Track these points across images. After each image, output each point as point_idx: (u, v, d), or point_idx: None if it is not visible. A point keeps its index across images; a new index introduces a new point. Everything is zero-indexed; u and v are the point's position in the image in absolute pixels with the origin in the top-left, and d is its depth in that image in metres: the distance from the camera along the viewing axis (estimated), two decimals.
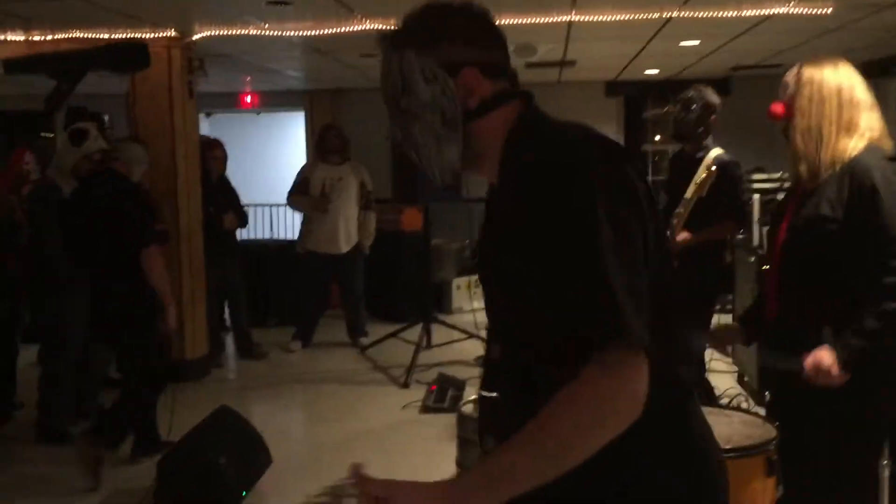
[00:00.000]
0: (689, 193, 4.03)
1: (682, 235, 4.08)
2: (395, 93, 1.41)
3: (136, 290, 4.04)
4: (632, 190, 1.27)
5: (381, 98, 1.45)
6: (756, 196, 5.28)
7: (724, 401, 4.96)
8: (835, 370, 2.17)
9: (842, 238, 2.22)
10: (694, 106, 4.11)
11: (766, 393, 3.90)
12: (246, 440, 3.95)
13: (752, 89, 9.43)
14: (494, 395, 1.51)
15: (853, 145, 2.25)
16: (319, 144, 6.85)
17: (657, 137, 10.08)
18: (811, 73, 2.31)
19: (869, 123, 2.28)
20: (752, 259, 5.12)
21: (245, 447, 3.90)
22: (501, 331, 1.46)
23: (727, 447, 2.08)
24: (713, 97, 4.21)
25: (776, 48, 7.20)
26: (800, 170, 2.33)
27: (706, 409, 2.27)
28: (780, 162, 8.51)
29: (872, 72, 8.30)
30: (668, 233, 4.08)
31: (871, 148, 2.26)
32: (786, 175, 5.54)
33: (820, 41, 6.71)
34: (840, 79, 2.29)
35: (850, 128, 2.25)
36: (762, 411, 4.72)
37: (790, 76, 2.38)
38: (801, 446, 2.24)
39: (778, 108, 2.38)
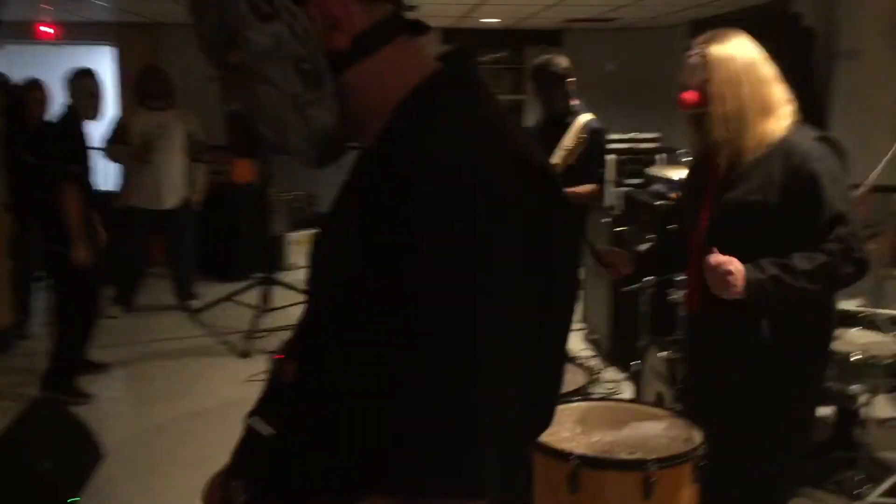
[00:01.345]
0: (557, 158, 3.87)
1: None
2: (217, 44, 0.96)
3: None
4: (544, 253, 0.85)
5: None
6: (611, 156, 5.22)
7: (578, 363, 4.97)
8: (734, 277, 2.03)
9: (777, 225, 2.10)
10: (556, 81, 3.96)
11: (632, 364, 3.89)
12: (71, 436, 3.43)
13: (584, 43, 9.54)
14: (270, 430, 1.03)
15: (776, 126, 2.13)
16: (139, 88, 6.15)
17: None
18: (719, 53, 2.15)
19: (781, 97, 2.17)
20: (607, 220, 5.10)
21: (71, 444, 3.39)
22: (305, 349, 1.02)
23: (657, 456, 1.93)
24: (564, 62, 4.06)
25: (613, 3, 7.21)
26: (720, 158, 2.19)
27: (633, 408, 2.21)
28: (612, 117, 8.70)
29: (699, 31, 8.57)
30: None
31: (798, 128, 2.15)
32: (639, 135, 5.53)
33: None
34: (748, 55, 2.15)
35: (767, 107, 2.13)
36: (616, 373, 4.84)
37: (696, 58, 2.19)
38: (726, 442, 2.13)
39: (691, 96, 2.20)
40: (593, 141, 3.85)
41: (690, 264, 2.29)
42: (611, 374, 4.86)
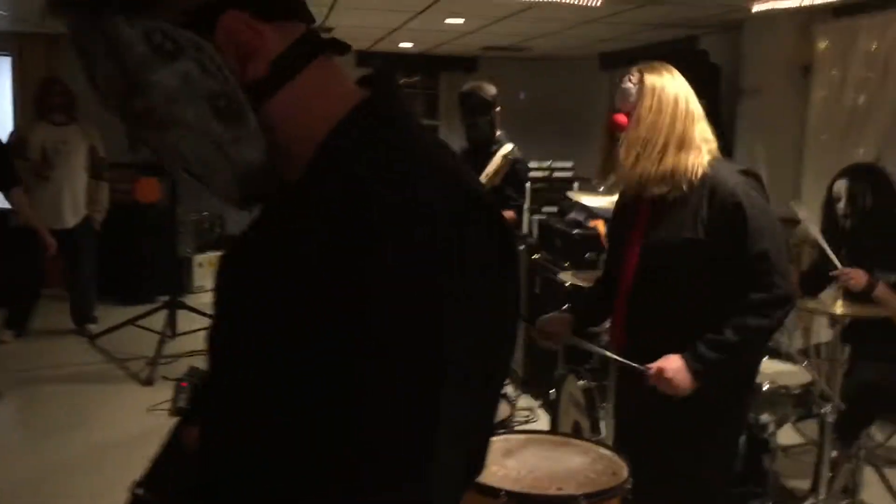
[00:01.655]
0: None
1: None
2: (117, 93, 0.84)
3: None
4: (485, 319, 0.79)
5: None
6: (527, 184, 5.26)
7: None
8: (681, 377, 2.07)
9: (705, 261, 2.12)
10: (484, 108, 3.98)
11: (549, 392, 3.89)
12: None
13: (499, 70, 9.64)
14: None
15: (692, 160, 2.15)
16: (39, 101, 5.86)
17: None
18: (653, 81, 2.19)
19: (703, 135, 2.21)
20: (522, 247, 5.12)
21: None
22: (211, 405, 0.89)
23: (585, 491, 1.90)
24: (492, 89, 4.09)
25: (532, 34, 7.32)
26: (627, 183, 2.22)
27: (558, 440, 2.19)
28: (523, 145, 8.83)
29: (608, 64, 8.81)
30: None
31: (721, 163, 2.18)
32: (554, 164, 5.60)
33: (573, 31, 6.91)
34: (678, 88, 2.20)
35: (684, 142, 2.15)
36: (531, 400, 4.83)
37: (630, 83, 2.23)
38: (653, 472, 2.13)
39: (622, 119, 2.23)
40: (515, 170, 3.86)
41: (619, 299, 2.29)
42: (525, 402, 4.85)
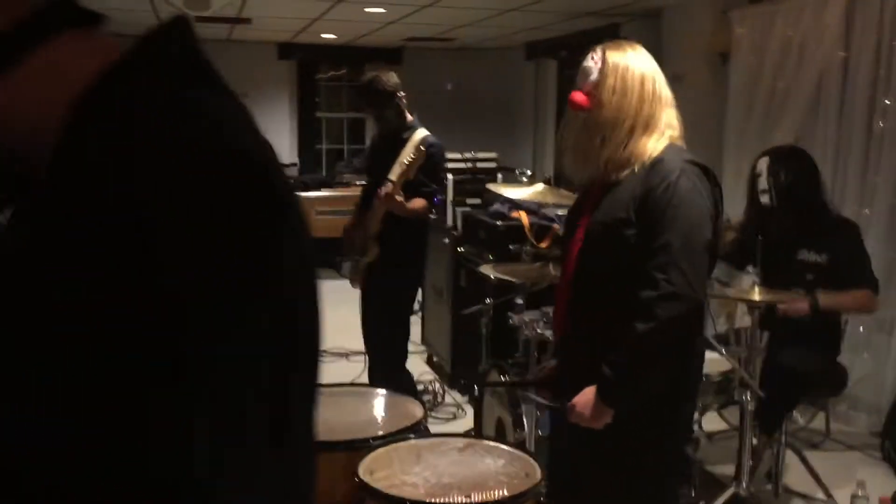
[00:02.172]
0: (394, 175, 3.75)
1: (399, 197, 3.76)
2: None
3: None
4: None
5: None
6: (449, 176, 5.16)
7: (419, 387, 4.86)
8: (592, 410, 1.98)
9: (633, 243, 1.99)
10: (384, 99, 3.86)
11: (475, 387, 3.80)
12: None
13: (423, 61, 9.54)
14: None
15: (654, 144, 2.03)
16: None
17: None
18: (615, 60, 2.06)
19: (669, 120, 2.08)
20: (447, 240, 5.03)
21: None
22: None
23: (496, 498, 1.82)
24: (392, 77, 3.95)
25: (454, 23, 7.23)
26: (589, 167, 2.08)
27: (472, 443, 2.10)
28: (450, 137, 8.74)
29: (534, 53, 8.78)
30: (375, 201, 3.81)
31: (673, 147, 2.05)
32: (477, 155, 5.51)
33: (495, 20, 6.84)
34: (644, 68, 2.06)
35: (650, 124, 2.03)
36: (458, 396, 4.76)
37: (591, 61, 2.09)
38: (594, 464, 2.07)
39: (580, 97, 2.10)
40: (429, 155, 3.74)
41: (561, 286, 2.18)
42: (453, 397, 4.77)
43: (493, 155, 5.51)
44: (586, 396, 1.99)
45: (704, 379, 3.18)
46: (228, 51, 8.89)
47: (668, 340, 1.95)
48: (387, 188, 3.71)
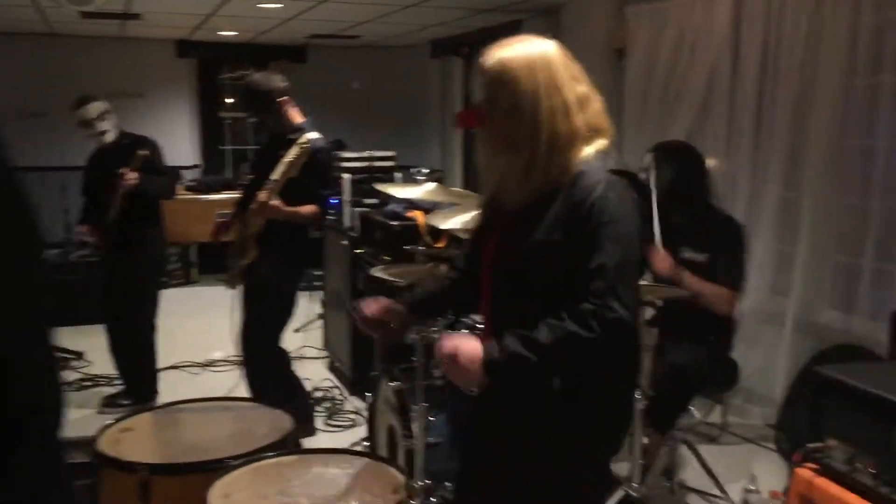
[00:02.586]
0: (276, 174, 3.60)
1: (277, 204, 3.61)
2: None
3: None
4: None
5: None
6: (347, 176, 5.02)
7: (318, 394, 4.71)
8: (472, 366, 1.74)
9: (560, 266, 1.78)
10: (262, 101, 3.70)
11: (367, 394, 3.68)
12: None
13: (328, 60, 9.36)
14: None
15: (573, 156, 1.77)
16: None
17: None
18: (503, 67, 1.77)
19: (591, 123, 1.80)
20: (345, 242, 4.89)
21: None
22: None
23: None
24: (272, 80, 3.78)
25: (355, 19, 7.08)
26: (497, 192, 1.86)
27: (327, 459, 1.96)
28: (357, 135, 8.60)
29: (439, 51, 8.70)
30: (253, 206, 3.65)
31: (597, 158, 1.79)
32: (375, 154, 5.38)
33: (397, 16, 6.72)
34: (541, 74, 1.75)
35: (557, 140, 1.76)
36: (359, 402, 4.62)
37: (483, 68, 1.82)
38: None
39: (465, 116, 1.90)
40: (316, 160, 3.60)
41: (483, 306, 1.98)
42: (353, 405, 4.64)
43: (390, 153, 5.39)
44: (473, 345, 1.77)
45: None
46: (124, 48, 8.55)
47: (585, 355, 1.76)
48: (261, 195, 3.57)
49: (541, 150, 1.75)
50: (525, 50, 1.79)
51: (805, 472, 2.04)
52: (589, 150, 1.78)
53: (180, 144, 8.98)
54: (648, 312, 3.17)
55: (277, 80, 3.74)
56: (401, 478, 1.89)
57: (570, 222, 1.75)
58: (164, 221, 4.67)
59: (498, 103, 1.78)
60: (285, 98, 3.73)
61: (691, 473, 3.73)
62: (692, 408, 4.47)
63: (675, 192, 3.42)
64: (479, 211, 2.09)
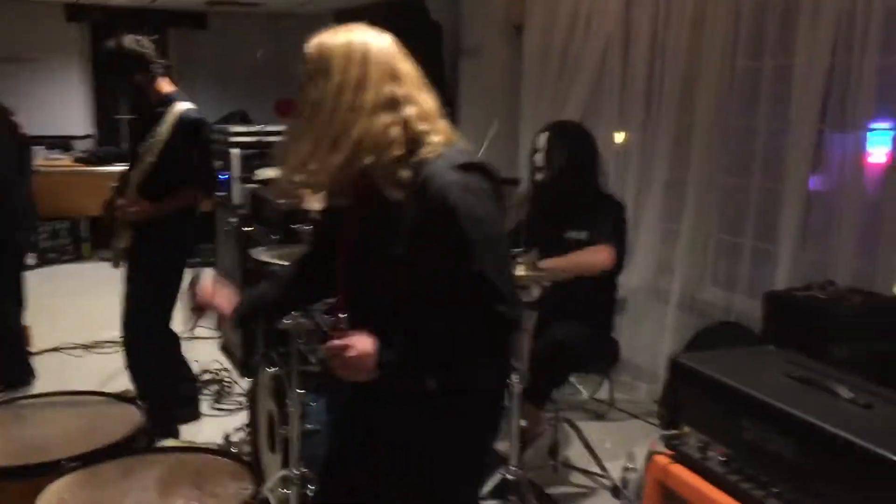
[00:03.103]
0: (150, 155, 3.44)
1: (142, 206, 3.47)
2: None
3: None
4: None
5: None
6: (236, 151, 4.86)
7: (207, 376, 4.58)
8: (364, 364, 1.68)
9: (416, 276, 1.71)
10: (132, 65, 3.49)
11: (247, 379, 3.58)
12: None
13: (230, 28, 9.05)
14: None
15: (399, 157, 1.68)
16: None
17: None
18: (320, 55, 1.69)
19: (419, 111, 1.71)
20: (234, 219, 4.75)
21: None
22: None
23: None
24: (141, 43, 3.57)
25: None
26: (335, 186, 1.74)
27: (173, 458, 1.86)
28: (262, 108, 8.35)
29: (343, 21, 8.50)
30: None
31: (443, 154, 1.70)
32: (266, 128, 5.22)
33: None
34: (356, 65, 1.67)
35: (382, 136, 1.67)
36: (245, 383, 4.51)
37: (303, 55, 1.74)
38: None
39: (284, 105, 1.81)
40: (191, 134, 3.44)
41: (337, 302, 1.90)
42: (242, 387, 4.54)
43: (282, 128, 5.23)
44: (367, 343, 1.69)
45: None
46: (10, 10, 8.09)
47: (477, 362, 1.75)
48: (122, 202, 3.42)
49: (348, 148, 1.65)
50: (345, 41, 1.70)
51: (661, 459, 2.06)
52: (428, 151, 1.70)
53: (72, 113, 8.59)
54: (535, 292, 3.15)
55: (145, 43, 3.53)
56: (249, 476, 1.82)
57: (431, 231, 1.67)
58: (23, 198, 4.34)
59: (308, 94, 1.68)
60: (157, 63, 3.52)
61: (576, 452, 3.78)
62: (579, 386, 4.55)
63: (565, 173, 3.41)
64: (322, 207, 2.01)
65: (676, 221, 4.29)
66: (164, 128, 3.32)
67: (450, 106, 6.02)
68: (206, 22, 9.10)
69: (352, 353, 1.67)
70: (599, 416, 4.37)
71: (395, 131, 1.68)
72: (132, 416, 2.14)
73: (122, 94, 3.58)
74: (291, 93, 1.76)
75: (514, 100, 5.41)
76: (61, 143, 8.38)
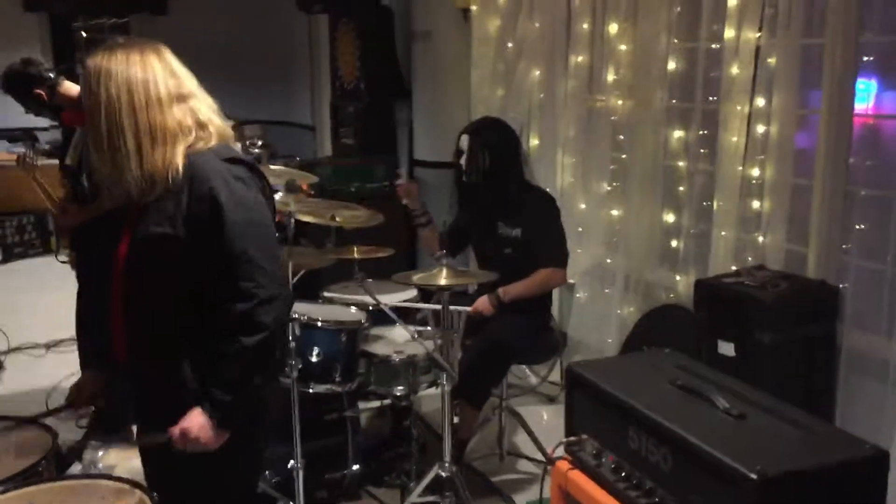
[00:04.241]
0: (70, 159, 3.43)
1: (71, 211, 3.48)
2: None
3: None
4: None
5: None
6: None
7: None
8: (206, 433, 1.88)
9: (189, 262, 1.87)
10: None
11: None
12: None
13: (191, 11, 8.94)
14: None
15: (172, 151, 1.85)
16: None
17: None
18: (96, 65, 1.85)
19: (190, 119, 1.88)
20: None
21: None
22: None
23: None
24: (23, 67, 3.54)
25: None
26: (117, 184, 1.87)
27: (72, 483, 1.92)
28: (224, 92, 8.25)
29: (307, 3, 8.41)
30: None
31: (212, 148, 1.90)
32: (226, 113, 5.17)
33: None
34: (131, 71, 1.84)
35: (155, 132, 1.84)
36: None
37: (83, 67, 1.91)
38: None
39: (69, 115, 1.97)
40: None
41: (113, 309, 1.98)
42: None
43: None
44: (197, 420, 1.88)
45: (409, 361, 3.17)
46: None
47: (274, 343, 1.90)
48: (56, 209, 3.43)
49: (128, 147, 1.82)
50: (122, 52, 1.87)
51: (562, 465, 2.11)
52: (199, 145, 1.88)
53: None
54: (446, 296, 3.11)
55: (38, 62, 3.50)
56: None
57: (194, 216, 1.85)
58: None
59: (91, 101, 1.85)
60: (49, 77, 3.46)
61: (523, 438, 3.84)
62: (528, 371, 4.60)
63: (492, 171, 3.43)
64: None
65: (622, 203, 4.31)
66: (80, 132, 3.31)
67: (404, 90, 6.00)
68: (166, 6, 9.02)
69: (193, 434, 1.87)
70: (551, 399, 4.43)
71: (180, 126, 1.88)
72: (40, 440, 2.17)
73: (37, 112, 3.51)
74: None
75: (467, 83, 5.39)
76: (25, 136, 8.33)
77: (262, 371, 1.92)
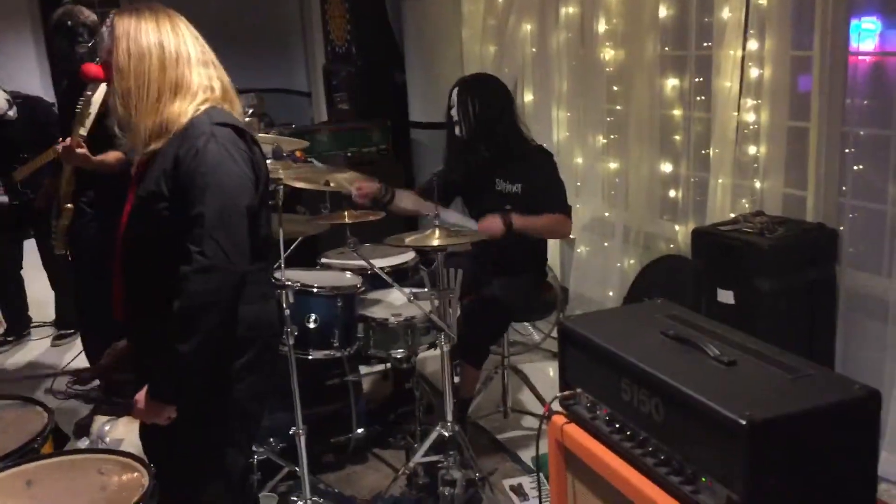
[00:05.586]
0: (84, 129, 3.43)
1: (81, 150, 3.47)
2: None
3: None
4: None
5: None
6: None
7: None
8: (143, 405, 1.90)
9: (172, 219, 1.89)
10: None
11: None
12: None
13: None
14: None
15: (186, 108, 1.93)
16: None
17: None
18: (125, 25, 1.96)
19: (203, 81, 1.97)
20: None
21: None
22: None
23: None
24: (88, 15, 3.59)
25: None
26: (127, 139, 1.99)
27: (72, 458, 1.95)
28: (220, 59, 8.16)
29: None
30: None
31: (210, 111, 1.95)
32: None
33: None
34: (162, 32, 1.96)
35: (179, 87, 1.94)
36: None
37: (105, 28, 2.02)
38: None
39: (92, 69, 2.12)
40: None
41: (115, 268, 2.03)
42: None
43: None
44: (143, 391, 1.91)
45: (408, 323, 3.17)
46: None
47: (201, 315, 1.83)
48: (64, 142, 3.40)
49: (161, 96, 1.92)
50: (150, 14, 1.97)
51: (558, 419, 2.10)
52: (196, 105, 1.93)
53: (29, 83, 8.44)
54: (441, 257, 3.06)
55: (91, 16, 3.57)
56: (146, 478, 1.88)
57: (174, 174, 1.88)
58: None
59: (121, 54, 1.93)
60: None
61: (528, 395, 3.85)
62: (531, 328, 4.60)
63: (482, 125, 3.39)
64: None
65: (620, 155, 4.28)
66: (98, 94, 3.30)
67: (397, 52, 5.93)
68: None
69: (140, 405, 1.90)
70: (555, 355, 4.42)
71: (189, 86, 1.96)
72: (34, 419, 2.19)
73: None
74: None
75: (458, 42, 5.32)
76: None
77: (184, 341, 1.82)
